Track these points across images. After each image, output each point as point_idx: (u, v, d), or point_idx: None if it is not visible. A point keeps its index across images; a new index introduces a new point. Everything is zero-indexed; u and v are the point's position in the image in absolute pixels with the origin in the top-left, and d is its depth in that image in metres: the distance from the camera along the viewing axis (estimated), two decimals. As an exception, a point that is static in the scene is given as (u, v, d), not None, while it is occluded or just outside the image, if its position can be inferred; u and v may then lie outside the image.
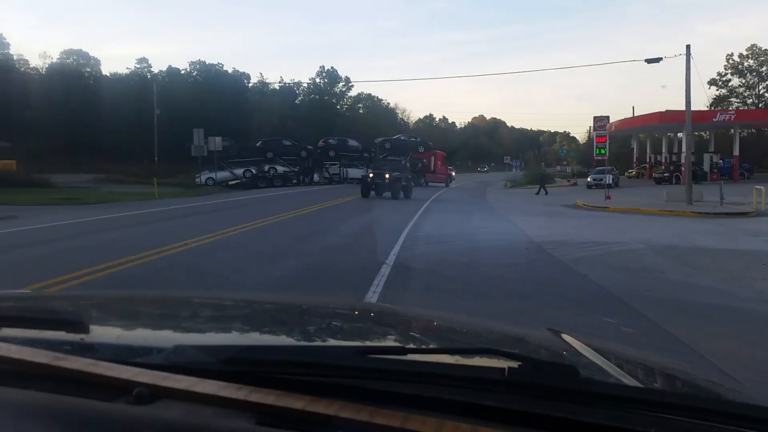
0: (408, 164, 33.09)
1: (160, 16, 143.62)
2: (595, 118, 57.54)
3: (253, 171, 43.66)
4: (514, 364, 0.97)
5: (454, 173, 65.75)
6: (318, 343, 1.56)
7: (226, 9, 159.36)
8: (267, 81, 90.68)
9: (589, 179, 45.74)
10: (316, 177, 47.39)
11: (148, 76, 71.84)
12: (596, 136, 57.69)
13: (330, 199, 28.27)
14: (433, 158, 50.04)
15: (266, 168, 44.02)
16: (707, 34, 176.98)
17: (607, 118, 57.92)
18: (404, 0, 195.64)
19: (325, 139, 49.00)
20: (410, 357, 1.10)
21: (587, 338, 1.55)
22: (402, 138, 50.89)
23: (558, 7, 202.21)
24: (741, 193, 26.83)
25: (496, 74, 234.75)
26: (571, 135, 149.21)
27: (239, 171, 43.44)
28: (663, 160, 52.46)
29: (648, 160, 57.54)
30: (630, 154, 69.58)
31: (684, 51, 26.40)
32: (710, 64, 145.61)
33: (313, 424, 0.89)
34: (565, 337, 1.55)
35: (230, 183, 42.61)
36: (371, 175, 29.74)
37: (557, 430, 0.89)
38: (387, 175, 28.84)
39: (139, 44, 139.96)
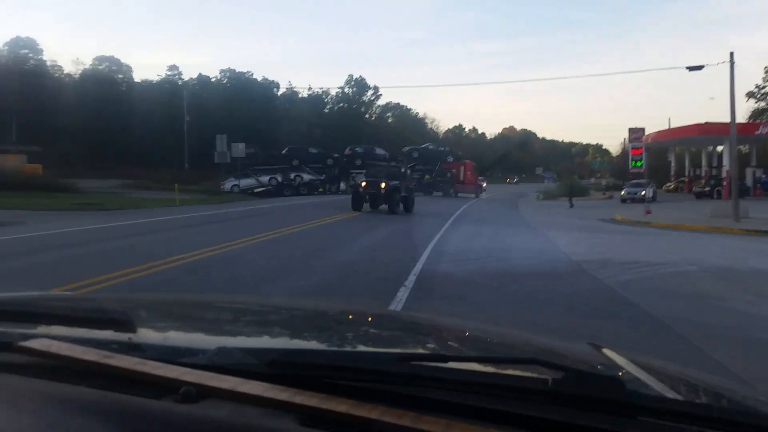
0: (409, 171, 28.24)
1: (191, 26, 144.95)
2: (630, 129, 55.98)
3: (279, 179, 42.85)
4: (558, 375, 0.96)
5: (485, 184, 64.28)
6: (359, 348, 1.57)
7: (257, 18, 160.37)
8: (296, 89, 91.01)
9: (623, 192, 43.87)
10: (342, 185, 46.34)
11: (179, 83, 72.78)
12: (632, 148, 56.03)
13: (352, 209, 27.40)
14: (462, 168, 48.62)
15: (292, 176, 43.16)
16: (744, 46, 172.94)
17: (643, 129, 56.26)
18: (434, 11, 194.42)
19: (351, 147, 47.79)
20: (452, 365, 1.09)
21: (630, 353, 1.49)
22: (430, 147, 49.53)
23: (590, 19, 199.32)
24: (791, 210, 25.08)
25: (518, 81, 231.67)
26: (603, 147, 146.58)
27: (265, 178, 42.69)
28: (703, 174, 50.35)
29: (687, 174, 55.41)
30: (666, 167, 67.39)
31: (726, 59, 24.72)
32: (748, 76, 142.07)
33: (356, 427, 0.89)
34: (607, 351, 1.50)
35: (256, 191, 41.88)
36: (364, 183, 24.65)
37: None
38: (383, 185, 23.88)
39: (170, 52, 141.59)
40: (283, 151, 44.84)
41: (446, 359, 1.14)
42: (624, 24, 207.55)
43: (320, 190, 43.15)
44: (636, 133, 55.63)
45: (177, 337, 1.53)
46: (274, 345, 1.50)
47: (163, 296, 3.10)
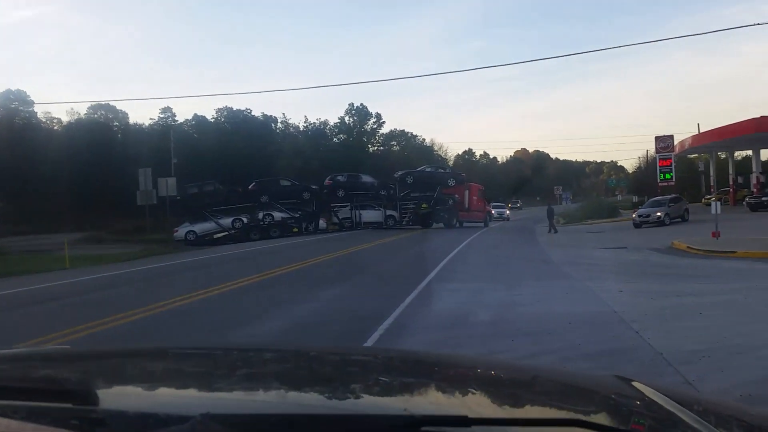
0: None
1: (186, 69, 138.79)
2: (657, 138, 47.88)
3: (244, 220, 35.28)
4: None
5: (508, 211, 56.36)
6: (363, 410, 1.30)
7: (255, 54, 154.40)
8: (290, 121, 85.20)
9: (634, 216, 32.43)
10: (322, 223, 38.59)
11: (173, 125, 70.54)
12: (660, 159, 48.10)
13: (322, 253, 20.00)
14: (467, 193, 40.44)
15: (261, 215, 35.57)
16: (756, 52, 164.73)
17: (672, 137, 48.11)
18: (441, 42, 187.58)
19: (332, 176, 39.38)
20: (476, 430, 0.92)
21: (662, 387, 1.38)
22: (427, 170, 41.18)
23: (593, 38, 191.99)
24: None
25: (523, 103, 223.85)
26: (618, 164, 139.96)
27: (226, 221, 35.08)
28: (755, 182, 42.16)
29: (731, 183, 47.20)
30: (695, 179, 59.29)
31: None
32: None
33: None
34: (638, 386, 1.38)
35: (216, 236, 34.46)
36: None
37: None
38: None
39: (167, 98, 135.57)
40: (250, 186, 37.15)
41: (468, 422, 0.93)
42: (633, 40, 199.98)
43: (295, 230, 35.42)
44: (664, 142, 47.80)
45: (147, 405, 1.27)
46: (262, 409, 1.26)
47: (133, 349, 2.50)
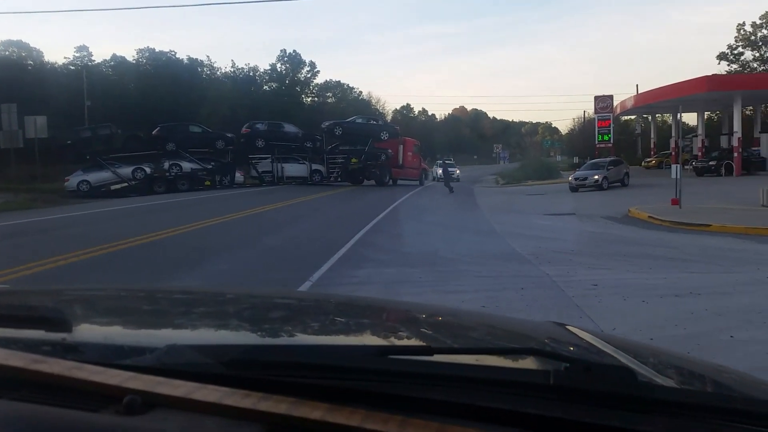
0: None
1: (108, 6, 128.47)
2: (596, 98, 45.88)
3: (147, 170, 30.97)
4: (560, 366, 0.88)
5: (458, 171, 51.92)
6: (331, 342, 1.38)
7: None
8: (215, 65, 79.05)
9: (571, 179, 30.08)
10: (239, 176, 34.65)
11: (89, 66, 63.09)
12: (599, 120, 46.23)
13: (216, 215, 16.46)
14: (401, 148, 37.12)
15: (167, 165, 31.34)
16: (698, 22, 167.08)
17: (611, 97, 46.33)
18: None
19: (250, 123, 35.20)
20: (438, 358, 0.95)
21: (598, 332, 1.43)
22: (358, 121, 37.44)
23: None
24: None
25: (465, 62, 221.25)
26: (552, 125, 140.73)
27: (127, 171, 30.72)
28: (699, 145, 40.59)
29: (674, 146, 45.64)
30: (630, 141, 58.09)
31: None
32: (718, 36, 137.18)
33: None
34: (574, 329, 1.44)
35: (113, 188, 30.15)
36: None
37: None
38: None
39: (86, 37, 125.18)
40: (154, 132, 32.76)
41: (431, 351, 0.97)
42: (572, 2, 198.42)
43: (207, 183, 31.42)
44: (603, 102, 45.95)
45: (121, 335, 1.32)
46: (233, 341, 1.32)
47: (102, 288, 2.43)
